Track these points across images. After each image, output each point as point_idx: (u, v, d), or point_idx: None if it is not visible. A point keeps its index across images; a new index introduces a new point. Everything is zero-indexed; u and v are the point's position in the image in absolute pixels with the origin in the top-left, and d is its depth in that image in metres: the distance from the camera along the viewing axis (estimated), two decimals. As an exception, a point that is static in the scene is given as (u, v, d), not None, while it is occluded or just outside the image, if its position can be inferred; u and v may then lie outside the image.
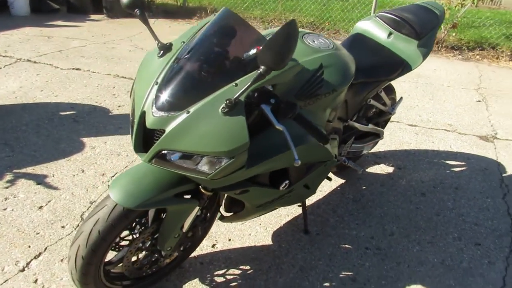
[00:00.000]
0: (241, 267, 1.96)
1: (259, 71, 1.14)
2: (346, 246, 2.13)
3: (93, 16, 7.10)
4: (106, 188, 2.48)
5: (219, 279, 1.89)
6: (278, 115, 1.27)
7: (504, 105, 4.09)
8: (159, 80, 1.31)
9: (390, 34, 2.19)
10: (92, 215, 1.42)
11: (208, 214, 1.72)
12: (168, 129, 1.24)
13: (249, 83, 1.17)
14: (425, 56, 2.14)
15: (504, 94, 4.39)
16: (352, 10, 6.69)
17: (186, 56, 1.33)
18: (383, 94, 2.24)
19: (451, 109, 3.91)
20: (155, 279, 1.77)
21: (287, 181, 1.58)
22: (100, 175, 2.61)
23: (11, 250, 1.99)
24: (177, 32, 6.14)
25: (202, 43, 1.36)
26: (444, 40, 5.84)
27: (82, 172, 2.64)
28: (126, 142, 3.02)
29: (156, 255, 1.66)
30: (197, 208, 1.54)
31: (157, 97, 1.28)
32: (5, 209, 2.26)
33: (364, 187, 2.62)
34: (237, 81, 1.26)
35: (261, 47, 1.25)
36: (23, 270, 1.88)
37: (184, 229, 1.58)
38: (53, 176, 2.57)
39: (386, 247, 2.14)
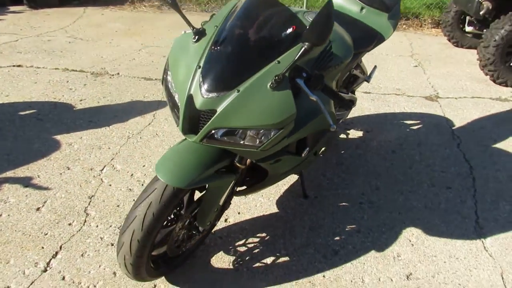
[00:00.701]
0: (258, 235, 2.11)
1: (304, 47, 1.26)
2: (343, 204, 2.36)
3: (12, 8, 6.54)
4: (100, 182, 2.45)
5: (242, 249, 2.02)
6: (309, 87, 1.41)
7: (437, 68, 4.58)
8: (201, 64, 1.38)
9: (362, 8, 2.40)
10: (143, 199, 1.47)
11: (236, 188, 1.83)
12: (220, 109, 1.33)
13: (295, 59, 1.29)
14: (394, 27, 2.39)
15: (434, 58, 4.90)
16: (285, -12, 6.90)
17: (226, 39, 1.41)
18: (362, 64, 2.47)
19: (395, 75, 4.31)
20: (186, 255, 1.86)
21: (307, 148, 1.74)
22: (88, 170, 2.57)
23: (25, 253, 1.94)
24: (113, 18, 5.90)
25: (238, 25, 1.44)
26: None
27: (68, 169, 2.57)
28: (102, 135, 2.97)
29: (193, 232, 1.75)
30: (233, 182, 1.64)
31: (203, 80, 1.35)
32: (0, 215, 2.17)
33: (342, 151, 2.87)
34: (279, 59, 1.38)
35: (299, 26, 1.39)
36: (45, 270, 1.86)
37: (221, 203, 1.68)
38: (39, 177, 2.49)
39: (376, 200, 2.40)
